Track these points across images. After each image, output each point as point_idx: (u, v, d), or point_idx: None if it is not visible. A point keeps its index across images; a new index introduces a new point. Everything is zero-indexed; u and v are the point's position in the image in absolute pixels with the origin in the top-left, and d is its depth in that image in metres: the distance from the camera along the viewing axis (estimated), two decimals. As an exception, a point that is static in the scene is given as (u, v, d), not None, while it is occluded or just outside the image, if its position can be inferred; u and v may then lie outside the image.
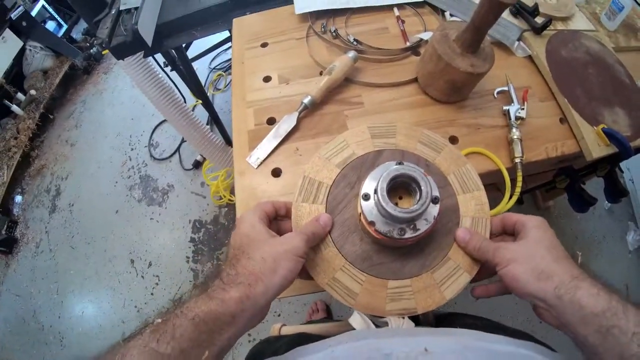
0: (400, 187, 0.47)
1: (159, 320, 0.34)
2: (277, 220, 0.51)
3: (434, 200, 0.43)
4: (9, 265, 1.99)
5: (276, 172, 0.71)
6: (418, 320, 0.55)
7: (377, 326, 0.49)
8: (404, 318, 0.48)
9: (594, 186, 1.07)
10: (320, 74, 0.82)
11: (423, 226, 0.43)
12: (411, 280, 0.48)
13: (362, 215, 0.45)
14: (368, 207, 0.44)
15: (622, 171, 1.75)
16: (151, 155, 2.16)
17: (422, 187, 0.41)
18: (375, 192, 0.42)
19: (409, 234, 0.43)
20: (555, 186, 1.03)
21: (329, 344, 0.42)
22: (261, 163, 0.72)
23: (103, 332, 1.73)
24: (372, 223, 0.43)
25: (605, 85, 0.84)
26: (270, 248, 0.40)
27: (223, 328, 0.35)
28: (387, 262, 0.48)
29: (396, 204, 0.41)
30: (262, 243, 0.41)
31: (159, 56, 1.32)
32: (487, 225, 0.50)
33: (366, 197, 0.44)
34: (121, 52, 1.09)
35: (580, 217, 1.75)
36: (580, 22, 0.94)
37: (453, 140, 0.73)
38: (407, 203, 0.47)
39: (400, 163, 0.44)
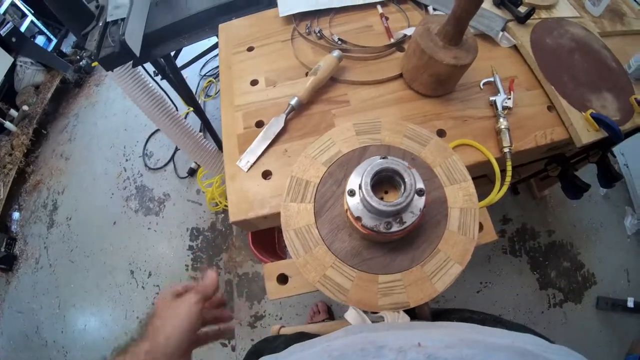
0: (385, 182, 0.47)
1: None
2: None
3: (419, 193, 0.43)
4: (10, 282, 1.98)
5: (266, 174, 0.71)
6: (414, 316, 0.55)
7: (373, 321, 0.49)
8: (399, 312, 0.47)
9: (589, 173, 1.07)
10: (306, 74, 0.82)
11: (410, 219, 0.43)
12: (402, 274, 0.48)
13: (348, 211, 0.45)
14: (354, 203, 0.44)
15: (614, 156, 1.76)
16: (146, 165, 2.15)
17: (406, 180, 0.41)
18: (360, 187, 0.42)
19: (395, 228, 0.43)
20: (548, 175, 1.03)
21: (325, 340, 0.42)
22: (251, 166, 0.72)
23: (107, 345, 1.72)
24: (358, 218, 0.44)
25: (592, 71, 0.84)
26: (172, 306, 0.47)
27: None
28: (377, 257, 0.48)
29: (382, 199, 0.41)
30: (167, 304, 0.47)
31: (148, 65, 1.32)
32: (475, 216, 0.50)
33: (351, 193, 0.45)
34: (110, 63, 1.09)
35: (577, 205, 1.75)
36: (564, 10, 0.94)
37: (441, 133, 0.73)
38: (393, 197, 0.47)
39: (384, 157, 0.44)
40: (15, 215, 2.19)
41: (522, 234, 1.69)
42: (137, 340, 0.43)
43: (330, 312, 1.56)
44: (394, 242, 0.48)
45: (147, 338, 0.43)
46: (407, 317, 0.48)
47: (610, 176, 0.97)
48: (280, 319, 1.61)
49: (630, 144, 1.21)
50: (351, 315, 0.51)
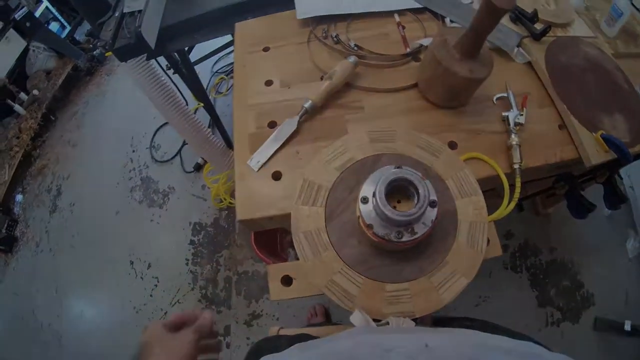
0: (398, 191, 0.47)
1: None
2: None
3: (432, 204, 0.43)
4: (9, 264, 1.99)
5: (276, 176, 0.72)
6: (416, 323, 0.55)
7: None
8: (404, 317, 0.48)
9: (594, 193, 1.07)
10: (321, 78, 0.83)
11: (421, 230, 0.43)
12: (409, 283, 0.48)
13: (360, 218, 0.45)
14: (366, 210, 0.45)
15: (621, 178, 1.75)
16: (152, 157, 2.16)
17: (420, 191, 0.42)
18: (374, 195, 0.42)
19: (406, 237, 0.43)
20: (555, 192, 1.03)
21: (329, 340, 0.42)
22: (262, 166, 0.72)
23: (101, 333, 1.73)
24: (370, 226, 0.44)
25: (604, 91, 0.84)
26: (167, 341, 0.47)
27: None
28: (385, 265, 0.48)
29: (394, 208, 0.42)
30: (162, 339, 0.47)
31: (161, 59, 1.33)
32: (484, 230, 0.51)
33: (365, 200, 0.45)
34: (124, 55, 1.10)
35: (581, 224, 1.74)
36: (579, 29, 0.94)
37: (452, 145, 0.73)
38: (406, 207, 0.48)
39: (398, 167, 0.44)
40: (19, 197, 2.21)
41: (524, 250, 1.69)
42: None
43: (328, 315, 1.56)
44: (403, 251, 0.48)
45: None
46: (412, 323, 0.48)
47: (616, 198, 0.97)
48: (278, 319, 1.61)
49: (637, 166, 1.21)
50: (356, 317, 0.51)
